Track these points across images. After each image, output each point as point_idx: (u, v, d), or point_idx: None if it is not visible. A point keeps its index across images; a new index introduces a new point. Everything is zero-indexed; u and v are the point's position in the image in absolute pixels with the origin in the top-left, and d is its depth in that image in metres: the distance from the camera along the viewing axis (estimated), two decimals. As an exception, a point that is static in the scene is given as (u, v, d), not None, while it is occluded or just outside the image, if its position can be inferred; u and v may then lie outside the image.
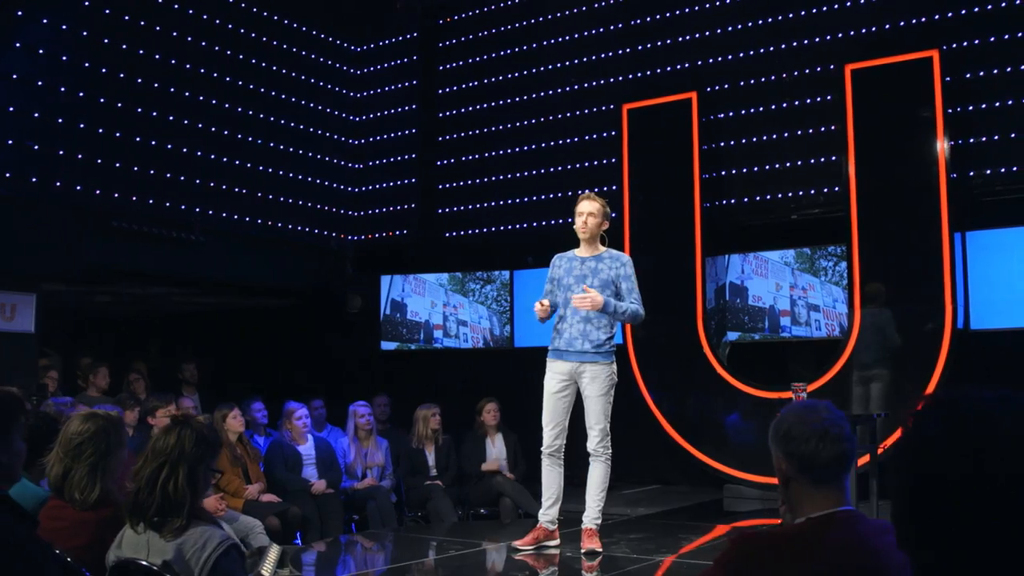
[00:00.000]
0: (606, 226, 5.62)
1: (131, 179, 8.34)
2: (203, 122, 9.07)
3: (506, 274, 9.84)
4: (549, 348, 5.62)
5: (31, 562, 2.12)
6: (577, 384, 5.51)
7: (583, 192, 5.70)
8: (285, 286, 10.12)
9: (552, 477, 5.62)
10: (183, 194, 8.80)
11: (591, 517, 5.48)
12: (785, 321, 8.47)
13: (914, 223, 7.55)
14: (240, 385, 9.98)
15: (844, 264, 8.09)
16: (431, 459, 7.83)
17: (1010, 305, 7.41)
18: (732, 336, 8.71)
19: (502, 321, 9.84)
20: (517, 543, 5.57)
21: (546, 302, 5.52)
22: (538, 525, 5.62)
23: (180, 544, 2.69)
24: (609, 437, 5.50)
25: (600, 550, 5.37)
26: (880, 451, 7.46)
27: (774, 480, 7.78)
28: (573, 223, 5.62)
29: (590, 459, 5.53)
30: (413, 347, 10.10)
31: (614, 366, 5.52)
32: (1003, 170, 7.52)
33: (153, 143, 8.57)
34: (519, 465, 8.01)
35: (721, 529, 6.70)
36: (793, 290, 8.42)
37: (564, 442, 5.61)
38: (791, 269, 8.44)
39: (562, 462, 5.64)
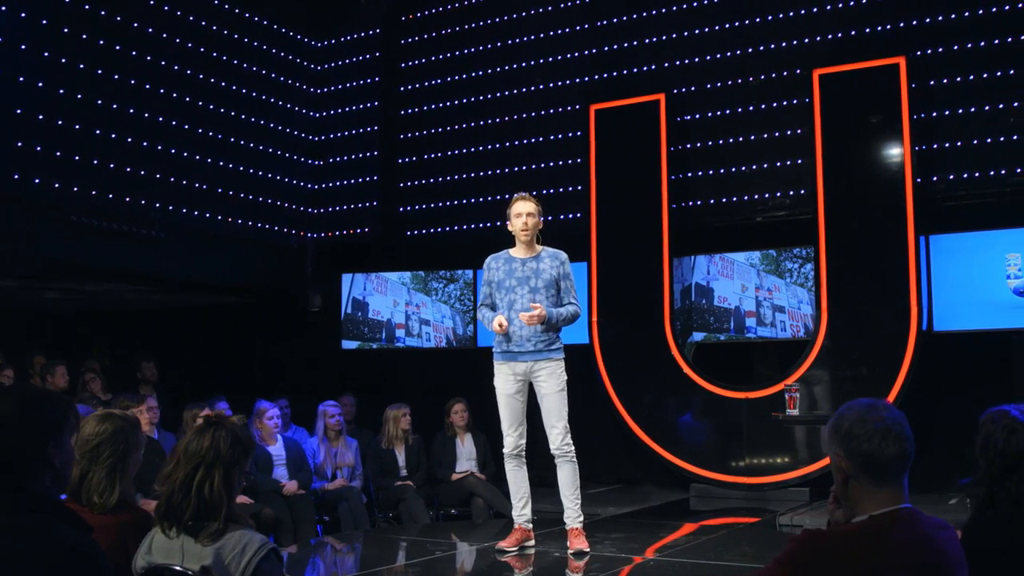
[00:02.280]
0: (541, 225, 5.59)
1: (90, 173, 8.11)
2: (163, 116, 8.86)
3: (469, 273, 9.79)
4: (496, 351, 5.55)
5: (95, 569, 2.03)
6: (531, 383, 5.49)
7: (520, 194, 5.62)
8: (243, 283, 9.94)
9: (519, 478, 5.58)
10: (143, 189, 8.58)
11: (573, 517, 5.46)
12: (751, 322, 8.56)
13: (880, 226, 7.70)
14: (196, 384, 9.79)
15: (809, 266, 8.23)
16: (401, 459, 7.75)
17: (971, 308, 7.60)
18: (698, 336, 8.79)
19: (465, 320, 9.79)
20: (502, 544, 5.52)
21: (505, 323, 5.47)
22: (517, 526, 5.58)
23: (218, 549, 2.60)
24: (570, 433, 5.48)
25: (588, 550, 5.36)
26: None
27: (738, 479, 7.89)
28: (509, 225, 5.55)
29: (556, 460, 5.46)
30: (375, 346, 9.99)
31: (564, 362, 5.52)
32: (965, 175, 7.71)
33: (113, 136, 8.34)
34: (489, 465, 7.97)
35: (690, 527, 6.74)
36: (759, 291, 8.52)
37: (525, 441, 5.59)
38: (757, 270, 8.54)
39: (525, 461, 5.61)
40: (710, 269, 8.73)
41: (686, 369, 8.35)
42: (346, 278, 10.03)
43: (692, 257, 8.77)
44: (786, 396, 4.94)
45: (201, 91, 9.27)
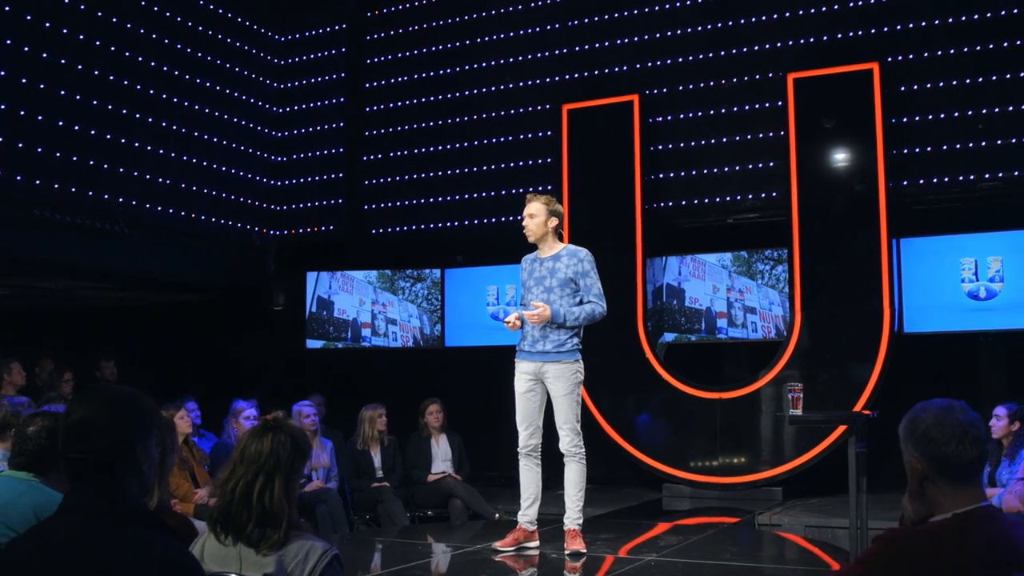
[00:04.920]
0: (555, 223, 5.53)
1: (54, 166, 7.84)
2: (126, 108, 8.61)
3: (437, 272, 9.71)
4: (516, 349, 5.56)
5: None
6: (544, 384, 5.47)
7: (529, 194, 5.60)
8: (205, 281, 9.72)
9: (529, 477, 5.53)
10: (106, 183, 8.34)
11: (572, 518, 5.44)
12: (722, 323, 8.63)
13: (853, 229, 7.82)
14: (156, 384, 9.53)
15: (780, 268, 8.32)
16: (377, 460, 7.65)
17: (939, 310, 7.75)
18: (669, 337, 8.83)
19: (432, 320, 9.70)
20: (497, 544, 5.47)
21: (513, 318, 5.42)
22: (518, 526, 5.53)
23: (280, 556, 2.50)
24: (581, 436, 5.47)
25: (584, 551, 5.34)
26: (815, 453, 7.75)
27: (711, 479, 7.89)
28: None
29: (564, 460, 5.48)
30: (340, 346, 9.85)
31: (579, 364, 5.45)
32: (935, 180, 7.86)
33: (76, 128, 8.08)
34: (464, 466, 7.92)
35: (674, 527, 6.74)
36: (730, 292, 8.60)
37: (539, 441, 5.54)
38: (728, 272, 8.61)
39: (539, 461, 5.56)
40: (681, 270, 8.78)
41: (659, 370, 8.38)
42: (311, 276, 9.86)
43: (663, 258, 8.80)
44: (790, 396, 4.96)
45: (164, 83, 9.03)
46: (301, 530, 2.59)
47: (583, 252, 5.48)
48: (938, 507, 2.39)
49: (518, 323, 5.39)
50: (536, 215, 5.48)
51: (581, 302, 5.41)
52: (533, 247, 5.63)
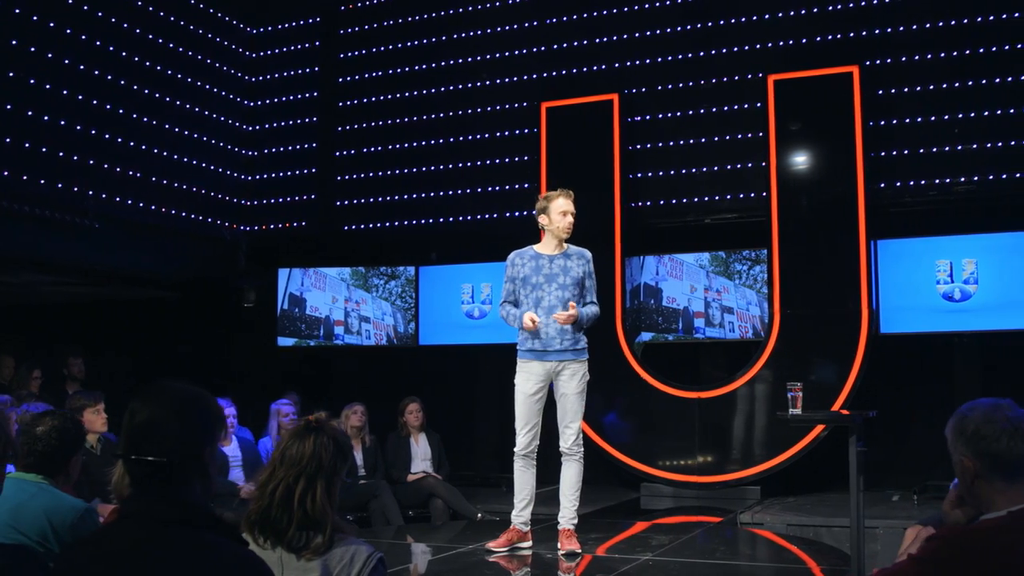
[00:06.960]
0: None
1: (21, 157, 7.63)
2: (96, 99, 8.42)
3: (411, 270, 9.62)
4: (521, 349, 5.49)
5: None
6: (553, 383, 5.44)
7: (562, 190, 5.56)
8: (174, 276, 9.54)
9: (525, 478, 5.50)
10: (74, 176, 8.14)
11: (567, 518, 5.42)
12: (699, 323, 8.66)
13: (833, 230, 7.88)
14: (126, 382, 9.34)
15: (758, 268, 8.37)
16: (359, 459, 7.55)
17: (915, 311, 7.85)
18: (646, 336, 8.83)
19: (406, 318, 9.61)
20: (491, 545, 5.43)
21: (537, 319, 5.36)
22: (511, 527, 5.51)
23: (325, 560, 2.43)
24: (582, 435, 5.47)
25: (579, 551, 5.32)
26: (792, 452, 7.81)
27: (689, 478, 7.90)
28: (545, 220, 5.49)
29: (563, 459, 5.48)
30: (312, 343, 9.71)
31: (587, 364, 5.47)
32: (912, 183, 7.96)
33: (46, 119, 7.87)
34: (444, 466, 7.85)
35: (645, 525, 6.74)
36: (707, 292, 8.63)
37: (538, 442, 5.52)
38: (706, 272, 8.64)
39: (535, 463, 5.53)
40: (659, 270, 8.80)
41: (638, 369, 8.38)
42: (283, 273, 9.71)
43: (641, 257, 8.81)
44: (789, 395, 4.98)
45: (135, 75, 8.84)
46: (345, 533, 2.53)
47: (589, 253, 5.55)
48: (991, 505, 2.40)
49: (539, 322, 5.33)
50: (574, 212, 5.47)
51: (583, 302, 5.45)
52: (523, 244, 5.61)
